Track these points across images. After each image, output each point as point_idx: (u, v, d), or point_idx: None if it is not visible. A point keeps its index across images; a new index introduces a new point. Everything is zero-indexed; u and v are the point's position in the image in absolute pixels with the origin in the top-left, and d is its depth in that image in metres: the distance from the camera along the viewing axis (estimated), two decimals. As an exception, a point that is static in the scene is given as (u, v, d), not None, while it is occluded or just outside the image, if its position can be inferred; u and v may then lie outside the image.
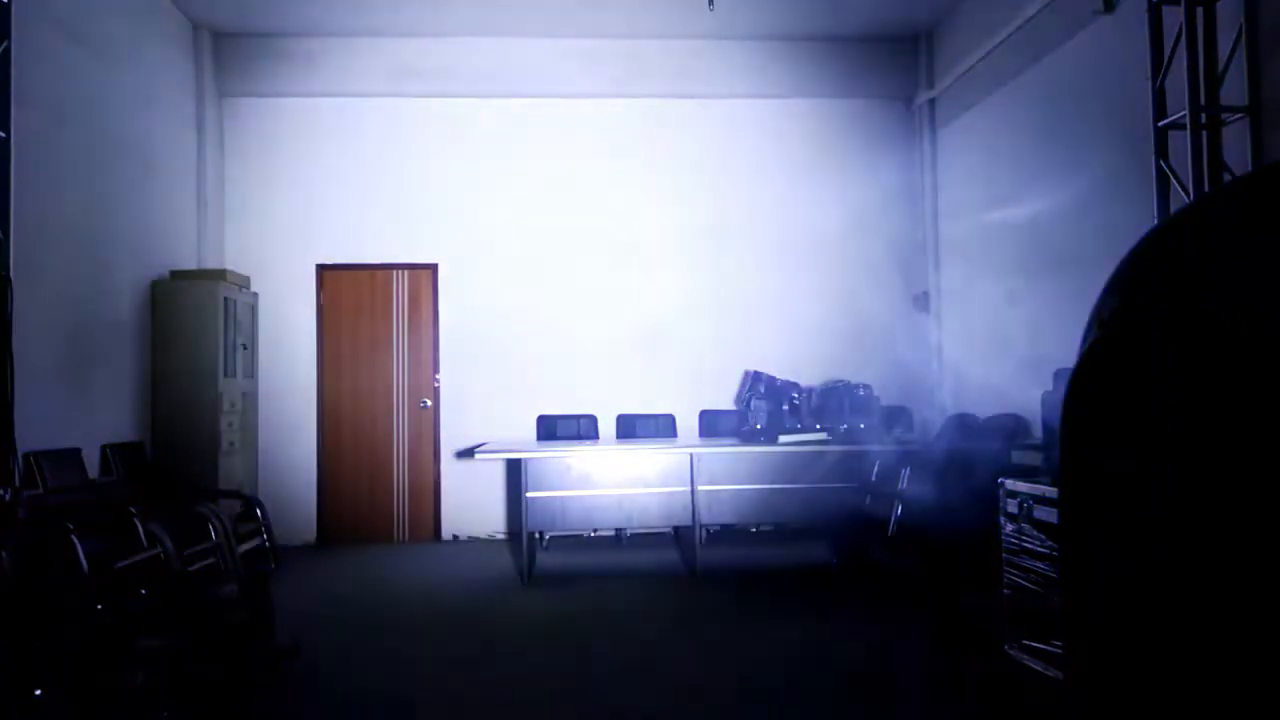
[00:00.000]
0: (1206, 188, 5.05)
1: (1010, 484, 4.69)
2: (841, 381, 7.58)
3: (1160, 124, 5.33)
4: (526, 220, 8.97)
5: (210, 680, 4.00)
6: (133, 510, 5.61)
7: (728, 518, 7.08)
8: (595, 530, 8.39)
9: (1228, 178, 5.01)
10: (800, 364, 8.54)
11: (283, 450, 8.60)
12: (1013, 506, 4.63)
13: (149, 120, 7.62)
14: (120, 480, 6.58)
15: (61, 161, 6.26)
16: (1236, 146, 5.01)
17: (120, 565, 5.17)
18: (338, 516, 8.73)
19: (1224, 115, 5.05)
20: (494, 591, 6.60)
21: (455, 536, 8.74)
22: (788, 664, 4.74)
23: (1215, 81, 5.10)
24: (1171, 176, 5.25)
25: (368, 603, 6.30)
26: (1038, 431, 6.42)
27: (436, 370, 8.87)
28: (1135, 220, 5.49)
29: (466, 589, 6.68)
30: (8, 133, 5.13)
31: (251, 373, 8.23)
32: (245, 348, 8.06)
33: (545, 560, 7.56)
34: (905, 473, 6.68)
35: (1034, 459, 5.22)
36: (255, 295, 8.37)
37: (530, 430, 8.59)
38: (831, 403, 7.36)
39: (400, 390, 8.90)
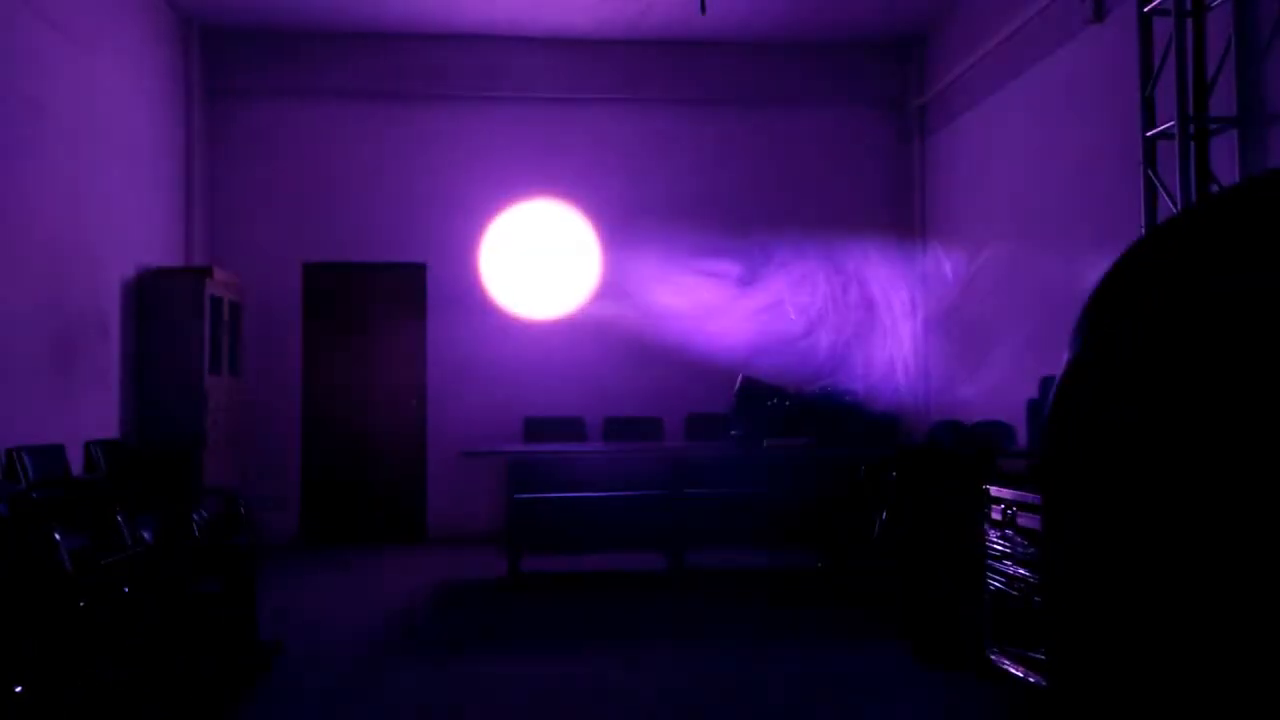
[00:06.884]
0: (1194, 198, 5.07)
1: (995, 490, 4.70)
2: (829, 386, 7.59)
3: (1149, 134, 5.34)
4: (516, 220, 8.95)
5: (194, 677, 3.99)
6: (116, 507, 5.56)
7: (713, 521, 7.06)
8: (581, 532, 8.35)
9: (1215, 189, 5.04)
10: (787, 368, 8.52)
11: (268, 448, 8.55)
12: (996, 513, 4.64)
13: (136, 114, 7.56)
14: (104, 477, 6.52)
15: (45, 155, 6.19)
16: (1225, 157, 5.04)
17: (104, 562, 5.13)
18: (323, 516, 8.69)
19: (1213, 126, 5.08)
20: (479, 593, 6.58)
21: (441, 537, 8.70)
22: (775, 666, 4.75)
23: (1204, 92, 5.12)
24: (1160, 186, 5.27)
25: (352, 601, 6.28)
26: (1023, 438, 6.44)
27: (424, 370, 8.85)
28: (1123, 230, 5.51)
29: (451, 589, 6.67)
30: (-6, 125, 5.10)
31: (237, 370, 8.19)
32: (231, 345, 8.02)
33: (531, 562, 7.53)
34: (891, 478, 6.68)
35: (1019, 466, 5.23)
36: (242, 293, 8.32)
37: (517, 431, 8.57)
38: (818, 408, 7.36)
39: (387, 389, 8.87)
